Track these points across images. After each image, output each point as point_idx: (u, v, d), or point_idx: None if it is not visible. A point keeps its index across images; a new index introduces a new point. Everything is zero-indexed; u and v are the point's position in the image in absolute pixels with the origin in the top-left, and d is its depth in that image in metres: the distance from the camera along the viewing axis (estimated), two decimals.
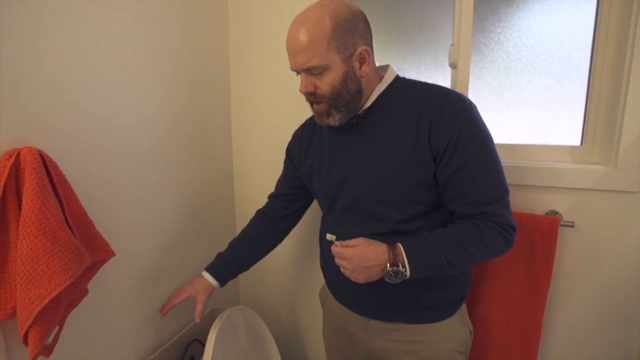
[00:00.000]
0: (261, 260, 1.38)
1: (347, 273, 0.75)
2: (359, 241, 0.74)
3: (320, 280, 1.27)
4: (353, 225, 0.81)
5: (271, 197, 1.05)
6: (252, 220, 1.05)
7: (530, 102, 1.06)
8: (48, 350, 0.73)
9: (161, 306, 0.98)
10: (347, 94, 0.75)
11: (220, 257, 1.01)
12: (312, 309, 1.34)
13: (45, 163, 0.68)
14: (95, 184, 0.86)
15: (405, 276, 0.71)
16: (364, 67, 0.76)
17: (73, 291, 0.75)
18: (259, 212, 1.06)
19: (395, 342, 0.83)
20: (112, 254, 0.82)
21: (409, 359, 0.82)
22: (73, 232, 0.71)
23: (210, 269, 0.99)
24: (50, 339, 0.68)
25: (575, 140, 1.03)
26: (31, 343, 0.64)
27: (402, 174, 0.74)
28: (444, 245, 0.71)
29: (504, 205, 0.73)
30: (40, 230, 0.63)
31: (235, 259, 1.00)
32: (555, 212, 0.99)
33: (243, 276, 1.45)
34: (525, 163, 1.01)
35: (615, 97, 0.92)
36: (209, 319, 1.21)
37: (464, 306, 0.88)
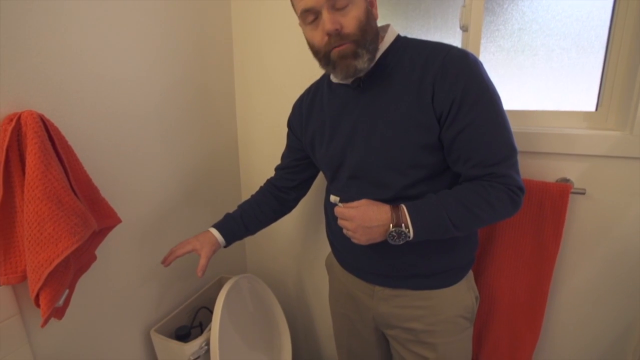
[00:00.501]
0: (267, 229, 1.39)
1: (349, 234, 0.74)
2: (362, 202, 0.74)
3: (326, 249, 1.29)
4: (357, 193, 0.79)
5: (277, 169, 1.05)
6: (262, 188, 1.05)
7: (544, 66, 1.01)
8: (60, 312, 0.75)
9: (166, 257, 0.95)
10: (371, 32, 0.72)
11: (228, 216, 1.01)
12: (318, 277, 1.36)
13: (46, 127, 0.67)
14: (99, 150, 0.85)
15: (409, 237, 0.70)
16: (374, 10, 0.74)
17: (82, 256, 0.76)
18: (268, 181, 1.06)
19: (401, 307, 0.84)
20: (119, 221, 0.82)
21: (414, 324, 0.83)
22: (79, 198, 0.71)
23: (217, 226, 0.99)
24: (61, 302, 0.70)
25: (590, 106, 0.99)
26: (42, 305, 0.66)
27: (405, 137, 0.72)
28: (448, 205, 0.70)
29: (512, 165, 0.71)
30: (45, 194, 0.63)
31: (245, 219, 1.00)
32: (566, 180, 0.97)
33: (249, 245, 1.47)
34: (536, 129, 0.98)
35: (635, 60, 0.88)
36: (216, 287, 1.24)
37: (470, 273, 0.87)
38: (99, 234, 0.80)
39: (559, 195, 0.93)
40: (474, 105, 0.68)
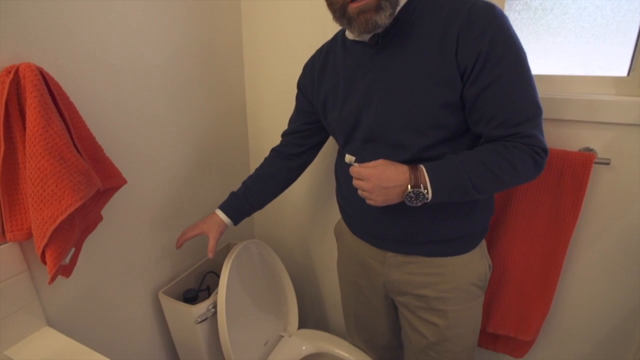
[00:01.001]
0: (274, 205, 1.38)
1: (364, 195, 0.71)
2: (379, 162, 0.71)
3: (333, 216, 1.27)
4: (372, 156, 0.76)
5: (284, 135, 1.01)
6: (266, 159, 1.02)
7: (574, 26, 0.94)
8: (67, 271, 0.75)
9: (176, 239, 0.99)
10: None
11: (233, 195, 1.00)
12: (326, 245, 1.35)
13: (46, 82, 0.65)
14: (103, 109, 0.82)
15: (427, 199, 0.67)
16: None
17: (87, 216, 0.75)
18: (273, 150, 1.02)
19: (412, 274, 0.82)
20: (124, 182, 0.81)
21: (425, 291, 0.81)
22: (82, 156, 0.69)
23: (223, 207, 0.98)
24: (67, 260, 0.69)
25: (622, 71, 0.92)
26: (48, 262, 0.65)
27: (426, 95, 0.68)
28: (469, 166, 0.66)
29: (536, 125, 0.66)
30: (46, 150, 0.61)
31: (248, 197, 0.99)
32: (589, 150, 0.92)
33: (258, 213, 1.46)
34: (561, 95, 0.92)
35: None
36: (224, 252, 1.23)
37: (483, 241, 0.85)
38: (105, 195, 0.78)
39: (581, 165, 0.88)
40: (500, 60, 0.63)
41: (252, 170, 1.21)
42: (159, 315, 1.06)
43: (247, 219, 1.43)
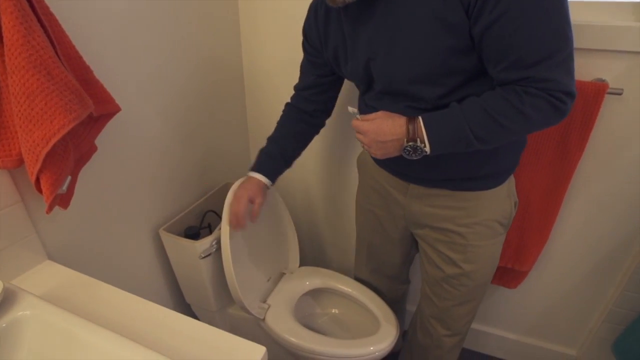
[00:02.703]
0: None
1: (365, 148, 0.70)
2: (378, 114, 0.69)
3: (338, 156, 1.25)
4: (390, 104, 0.72)
5: (299, 89, 0.93)
6: (290, 117, 0.95)
7: None
8: (64, 201, 0.71)
9: (234, 221, 0.90)
10: None
11: (266, 155, 0.93)
12: (327, 185, 1.34)
13: None
14: (90, 29, 0.74)
15: (425, 152, 0.65)
16: None
17: (81, 144, 0.70)
18: (291, 106, 0.95)
19: (434, 207, 0.81)
20: (118, 108, 0.75)
21: (446, 224, 0.81)
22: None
23: (259, 169, 0.92)
24: (64, 188, 0.65)
25: None
26: (44, 189, 0.61)
27: (433, 42, 0.60)
28: (471, 115, 0.61)
29: (558, 64, 0.56)
30: (30, 63, 0.55)
31: (284, 155, 0.93)
32: (601, 80, 0.89)
33: (254, 154, 1.42)
34: (576, 22, 0.87)
35: None
36: (223, 192, 1.20)
37: (512, 177, 0.82)
38: (98, 122, 0.73)
39: (592, 95, 0.86)
40: None
41: (250, 99, 1.16)
42: (160, 252, 1.05)
43: (244, 159, 1.40)
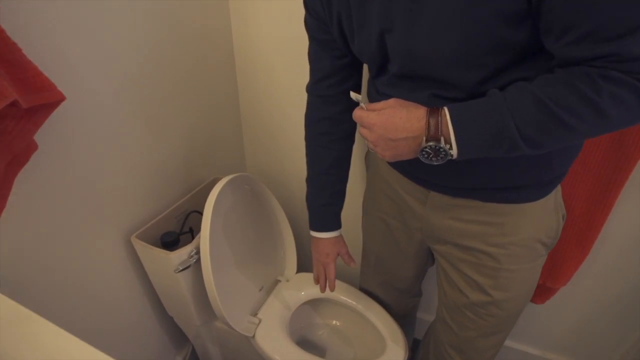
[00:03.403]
0: (271, 126, 1.17)
1: (370, 147, 0.54)
2: (389, 103, 0.51)
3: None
4: (409, 92, 0.54)
5: (313, 86, 0.73)
6: (314, 139, 0.78)
7: None
8: None
9: (323, 286, 0.89)
10: None
11: (319, 208, 0.82)
12: None
13: None
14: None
15: (450, 156, 0.48)
16: None
17: (12, 143, 0.56)
18: (313, 124, 0.77)
19: (460, 221, 0.65)
20: (61, 97, 0.59)
21: (474, 243, 0.65)
22: None
23: (321, 227, 0.83)
24: None
25: None
26: None
27: (472, 6, 0.42)
28: (520, 108, 0.43)
29: None
30: None
31: (337, 194, 0.82)
32: None
33: (249, 145, 1.27)
34: None
35: None
36: (210, 189, 1.06)
37: (559, 185, 0.64)
38: (34, 114, 0.58)
39: None
40: None
41: (243, 80, 1.01)
42: (135, 260, 0.92)
43: (236, 151, 1.25)
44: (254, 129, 1.20)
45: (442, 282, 0.76)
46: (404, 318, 1.05)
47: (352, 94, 0.55)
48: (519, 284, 0.66)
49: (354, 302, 1.03)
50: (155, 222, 0.90)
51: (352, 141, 0.80)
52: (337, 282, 1.07)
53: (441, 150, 0.48)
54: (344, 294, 1.05)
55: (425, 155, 0.49)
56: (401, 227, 0.77)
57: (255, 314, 0.99)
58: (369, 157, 0.85)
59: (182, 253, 0.81)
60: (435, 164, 0.50)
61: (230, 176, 0.89)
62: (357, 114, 0.54)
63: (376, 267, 0.93)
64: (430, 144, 0.48)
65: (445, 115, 0.47)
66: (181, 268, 0.81)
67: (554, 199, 0.63)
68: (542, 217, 0.62)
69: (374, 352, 0.96)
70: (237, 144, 1.24)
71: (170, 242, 0.87)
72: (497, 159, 0.52)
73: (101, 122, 0.76)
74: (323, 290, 0.88)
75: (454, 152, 0.47)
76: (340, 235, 0.85)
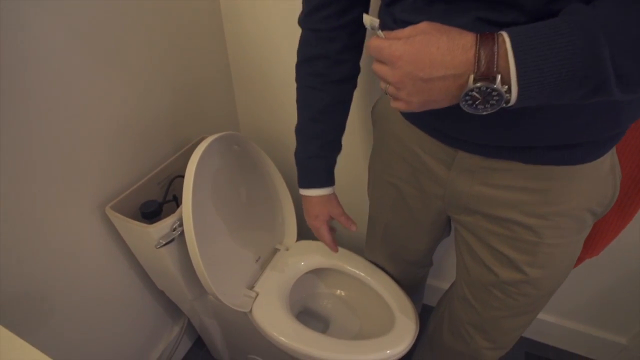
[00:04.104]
0: (267, 79, 1.04)
1: (389, 91, 0.40)
2: (421, 27, 0.36)
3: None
4: (445, 15, 0.40)
5: (308, 19, 0.59)
6: (305, 81, 0.65)
7: None
8: None
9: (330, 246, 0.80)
10: None
11: (310, 160, 0.70)
12: None
13: None
14: None
15: (507, 101, 0.34)
16: None
17: None
18: (305, 64, 0.63)
19: (496, 187, 0.53)
20: None
21: (510, 213, 0.53)
22: None
23: (311, 183, 0.71)
24: None
25: None
26: None
27: None
28: (620, 30, 0.30)
29: None
30: None
31: (330, 154, 0.70)
32: None
33: (242, 102, 1.13)
34: None
35: None
36: None
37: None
38: None
39: None
40: None
41: (227, 33, 0.87)
42: (115, 234, 0.82)
43: (228, 109, 1.11)
44: (246, 82, 1.05)
45: (463, 257, 0.66)
46: (412, 288, 0.97)
47: (366, 18, 0.40)
48: (559, 261, 0.56)
49: (360, 272, 0.94)
50: (134, 189, 0.79)
51: (353, 85, 0.66)
52: (343, 251, 0.98)
53: (494, 93, 0.34)
54: (349, 264, 0.96)
55: (470, 102, 0.36)
56: (416, 195, 0.66)
57: (251, 287, 0.91)
58: (376, 109, 0.71)
59: (163, 225, 0.71)
60: (483, 113, 0.36)
61: (217, 135, 0.76)
62: (374, 44, 0.39)
63: (384, 238, 0.83)
64: (479, 85, 0.34)
65: (504, 43, 0.33)
66: (163, 242, 0.71)
67: (611, 159, 0.51)
68: (595, 181, 0.50)
69: (382, 325, 0.88)
70: (228, 99, 1.10)
71: (150, 212, 0.76)
72: (559, 107, 0.39)
73: (62, 71, 0.63)
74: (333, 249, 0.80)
75: (513, 96, 0.34)
76: (333, 194, 0.74)
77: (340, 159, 0.73)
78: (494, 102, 0.35)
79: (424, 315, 0.94)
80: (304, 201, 0.75)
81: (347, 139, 0.72)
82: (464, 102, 0.36)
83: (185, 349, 1.20)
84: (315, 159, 0.69)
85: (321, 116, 0.66)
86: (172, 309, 1.08)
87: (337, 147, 0.71)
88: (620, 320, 1.06)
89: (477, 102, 0.35)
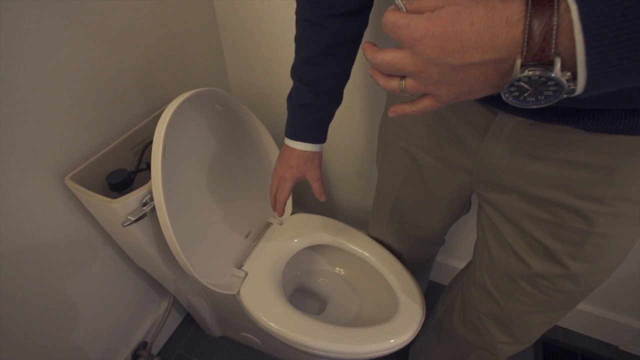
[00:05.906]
0: (259, 34, 0.90)
1: (407, 87, 0.30)
2: None
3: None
4: None
5: None
6: (305, 12, 0.52)
7: None
8: None
9: (272, 204, 0.69)
10: None
11: (302, 107, 0.58)
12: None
13: None
14: None
15: (568, 93, 0.24)
16: None
17: None
18: (306, 11, 0.51)
19: (543, 160, 0.41)
20: None
21: (557, 194, 0.42)
22: None
23: (300, 135, 0.60)
24: None
25: None
26: None
27: None
28: None
29: None
30: None
31: (327, 105, 0.59)
32: None
33: (232, 60, 0.99)
34: None
35: None
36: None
37: None
38: None
39: None
40: None
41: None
42: (82, 207, 0.72)
43: (216, 66, 0.98)
44: (236, 28, 0.91)
45: (487, 241, 0.55)
46: (419, 266, 0.88)
47: None
48: (609, 254, 0.45)
49: (362, 251, 0.84)
50: (101, 155, 0.68)
51: (363, 22, 0.53)
52: (339, 224, 0.89)
53: (550, 83, 0.23)
54: (349, 241, 0.86)
55: (516, 94, 0.26)
56: (437, 166, 0.54)
57: (240, 266, 0.82)
58: None
59: (130, 200, 0.60)
60: (534, 107, 0.26)
61: (192, 91, 0.64)
62: (391, 19, 0.28)
63: (393, 213, 0.72)
64: (531, 73, 0.23)
65: (567, 12, 0.22)
66: (132, 219, 0.61)
67: None
68: None
69: (384, 309, 0.80)
70: (214, 52, 0.96)
71: (118, 183, 0.65)
72: None
73: (15, 24, 0.50)
74: (273, 209, 0.69)
75: (579, 85, 0.23)
76: (319, 153, 0.64)
77: (340, 112, 0.61)
78: (549, 93, 0.24)
79: (429, 294, 0.86)
80: (284, 149, 0.64)
81: (348, 90, 0.59)
82: (507, 94, 0.26)
83: (175, 324, 1.15)
84: (310, 108, 0.57)
85: (320, 59, 0.53)
86: (158, 285, 1.01)
87: (336, 98, 0.59)
88: (637, 304, 0.98)
89: (526, 94, 0.25)
